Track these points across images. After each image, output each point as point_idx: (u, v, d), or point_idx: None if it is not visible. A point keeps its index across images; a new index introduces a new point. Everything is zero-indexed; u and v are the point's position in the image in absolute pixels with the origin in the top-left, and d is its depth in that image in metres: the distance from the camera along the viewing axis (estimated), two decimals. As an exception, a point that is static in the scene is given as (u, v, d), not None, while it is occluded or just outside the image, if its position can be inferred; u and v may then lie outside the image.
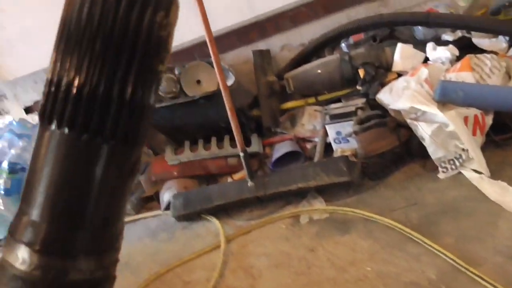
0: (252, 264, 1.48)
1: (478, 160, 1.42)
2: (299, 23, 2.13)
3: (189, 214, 1.82)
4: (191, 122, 2.09)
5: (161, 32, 0.59)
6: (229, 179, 2.02)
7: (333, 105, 1.87)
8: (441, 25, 1.80)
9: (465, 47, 1.76)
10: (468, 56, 1.59)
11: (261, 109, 2.08)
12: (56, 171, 0.61)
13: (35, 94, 2.45)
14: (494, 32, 1.75)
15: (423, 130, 1.50)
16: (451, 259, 1.17)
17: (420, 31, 1.91)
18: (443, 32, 1.86)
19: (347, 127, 1.74)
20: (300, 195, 1.70)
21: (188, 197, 1.86)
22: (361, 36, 2.01)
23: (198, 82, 2.16)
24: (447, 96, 1.48)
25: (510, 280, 1.06)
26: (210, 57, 1.74)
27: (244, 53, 2.19)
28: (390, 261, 1.26)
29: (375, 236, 1.38)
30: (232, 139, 2.03)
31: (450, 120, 1.43)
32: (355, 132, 1.65)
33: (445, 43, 1.80)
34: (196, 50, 2.17)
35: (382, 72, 1.83)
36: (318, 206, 1.63)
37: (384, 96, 1.72)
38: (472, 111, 1.47)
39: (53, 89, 0.59)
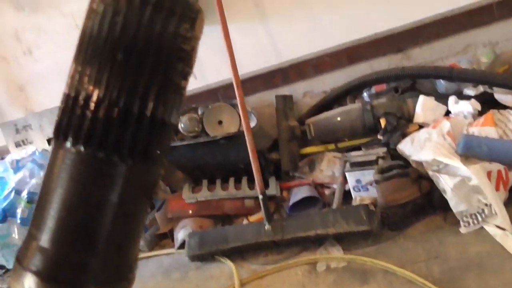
0: (267, 310, 1.44)
1: (501, 216, 1.40)
2: (322, 71, 2.18)
3: (204, 254, 1.80)
4: (210, 162, 2.11)
5: (184, 45, 0.55)
6: (245, 221, 2.01)
7: (353, 153, 1.88)
8: (464, 80, 1.83)
9: (487, 102, 1.78)
10: (491, 111, 1.61)
11: (281, 153, 2.10)
12: (69, 192, 0.57)
13: (59, 126, 2.50)
14: (516, 89, 1.77)
15: (445, 183, 1.50)
16: (475, 317, 1.14)
17: (442, 84, 1.94)
18: (465, 87, 1.89)
19: (367, 175, 1.74)
20: (317, 241, 1.68)
21: (204, 236, 1.84)
22: (383, 86, 2.05)
23: (220, 123, 2.20)
24: (470, 150, 1.49)
25: None
26: (233, 99, 1.79)
27: (267, 97, 2.24)
28: (411, 316, 1.23)
29: (395, 288, 1.35)
30: (250, 181, 2.04)
31: (474, 174, 1.42)
32: (376, 181, 1.65)
33: (467, 97, 1.82)
34: (220, 92, 2.22)
35: (404, 123, 1.85)
36: (336, 254, 1.60)
37: (406, 147, 1.73)
38: (495, 166, 1.46)
39: (70, 103, 0.56)
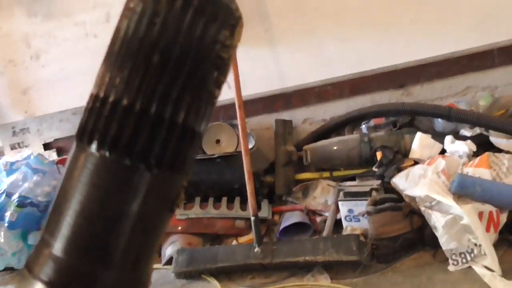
0: (250, 333, 1.43)
1: (491, 257, 1.40)
2: (324, 100, 2.21)
3: (191, 272, 1.79)
4: (205, 180, 2.11)
5: (223, 53, 0.52)
6: (234, 242, 2.01)
7: (348, 183, 1.90)
8: (462, 121, 1.87)
9: (482, 144, 1.81)
10: (487, 153, 1.63)
11: (276, 176, 2.11)
12: (88, 198, 0.53)
13: (58, 132, 2.52)
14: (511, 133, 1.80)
15: (437, 220, 1.51)
16: None
17: (440, 123, 1.97)
18: (462, 127, 1.92)
19: (360, 206, 1.75)
20: (306, 268, 1.67)
21: (192, 254, 1.83)
22: (382, 120, 2.08)
23: (218, 141, 2.21)
24: (464, 189, 1.51)
25: None
26: (234, 119, 1.80)
27: (267, 120, 2.27)
28: None
29: (380, 322, 1.35)
30: (242, 202, 2.04)
31: (466, 213, 1.44)
32: (368, 213, 1.66)
33: (463, 137, 1.85)
34: (221, 111, 2.25)
35: (400, 158, 1.87)
36: (323, 282, 1.59)
37: (400, 181, 1.74)
38: (487, 207, 1.48)
39: (97, 105, 0.52)
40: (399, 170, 1.82)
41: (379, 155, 1.90)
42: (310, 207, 2.02)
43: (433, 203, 1.55)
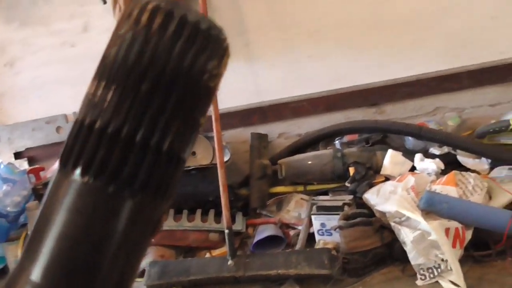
0: None
1: (456, 272, 1.45)
2: (299, 115, 2.26)
3: (163, 285, 1.77)
4: (180, 192, 2.07)
5: (210, 82, 0.54)
6: (208, 254, 2.00)
7: (321, 197, 1.93)
8: (431, 139, 1.93)
9: (450, 163, 1.88)
10: (453, 172, 1.69)
11: (251, 190, 2.13)
12: (71, 224, 0.53)
13: (29, 141, 2.47)
14: (478, 153, 1.88)
15: (406, 235, 1.55)
16: None
17: (410, 141, 2.04)
18: (431, 146, 1.99)
19: (332, 220, 1.78)
20: (278, 281, 1.69)
21: (165, 267, 1.82)
22: (355, 136, 2.13)
23: (194, 153, 2.22)
24: (431, 206, 1.56)
25: None
26: (209, 131, 1.82)
27: (243, 134, 2.29)
28: None
29: (350, 335, 1.37)
30: (217, 214, 2.05)
31: (433, 229, 1.48)
32: (340, 227, 1.69)
33: (432, 156, 1.92)
34: (198, 124, 2.26)
35: (372, 174, 1.92)
36: (294, 296, 1.61)
37: (371, 197, 1.79)
38: (453, 224, 1.53)
39: (83, 131, 0.52)
40: (371, 185, 1.87)
41: (351, 170, 1.95)
42: (284, 221, 2.04)
43: (402, 219, 1.59)
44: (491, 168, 1.86)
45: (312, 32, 2.16)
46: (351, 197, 1.86)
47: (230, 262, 1.74)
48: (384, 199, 1.72)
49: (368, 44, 2.16)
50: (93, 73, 0.52)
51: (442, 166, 1.82)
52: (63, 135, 2.44)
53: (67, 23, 2.27)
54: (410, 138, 2.04)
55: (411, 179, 1.72)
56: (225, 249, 1.83)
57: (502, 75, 2.10)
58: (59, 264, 0.53)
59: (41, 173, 2.32)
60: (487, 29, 2.08)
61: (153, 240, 2.04)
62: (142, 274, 1.85)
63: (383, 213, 1.67)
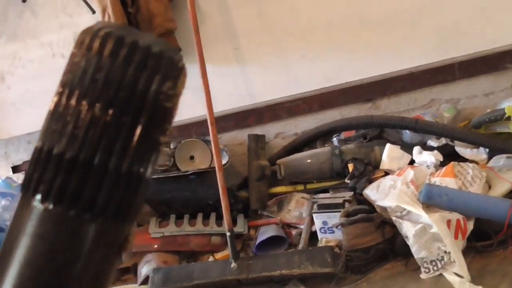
0: None
1: (459, 264, 1.45)
2: (295, 114, 2.25)
3: (167, 291, 1.77)
4: (179, 197, 2.10)
5: (167, 102, 0.54)
6: (211, 258, 2.00)
7: (321, 195, 1.93)
8: (428, 132, 1.94)
9: (448, 154, 1.89)
10: (452, 163, 1.70)
11: (250, 191, 2.12)
12: (34, 250, 0.53)
13: (26, 154, 2.46)
14: (475, 143, 1.88)
15: (407, 229, 1.55)
16: None
17: (407, 134, 2.04)
18: (429, 138, 1.99)
19: (334, 218, 1.78)
20: (282, 281, 1.69)
21: (168, 273, 1.82)
22: (352, 133, 2.13)
23: (192, 158, 2.21)
24: (431, 199, 1.56)
25: None
26: (207, 135, 1.82)
27: (239, 136, 2.28)
28: None
29: (356, 332, 1.37)
30: (218, 218, 2.04)
31: (434, 222, 1.49)
32: (342, 224, 1.69)
33: (430, 148, 1.92)
34: (194, 128, 2.25)
35: (371, 169, 1.92)
36: (299, 295, 1.61)
37: (371, 193, 1.79)
38: (454, 216, 1.53)
39: (42, 157, 0.52)
40: (370, 181, 1.87)
41: (350, 167, 1.95)
42: (285, 220, 2.04)
43: (403, 213, 1.60)
44: (489, 158, 1.86)
45: (302, 33, 2.16)
46: (351, 193, 1.86)
47: (233, 265, 1.73)
48: (384, 194, 1.72)
49: (359, 41, 2.16)
50: (51, 101, 0.52)
51: (440, 158, 1.82)
52: (59, 146, 2.42)
53: (57, 35, 2.25)
54: (407, 131, 2.05)
55: (410, 173, 1.72)
56: (228, 252, 1.83)
57: (494, 64, 2.10)
58: None
59: (39, 186, 2.30)
60: (477, 20, 2.08)
61: (155, 246, 2.03)
62: (146, 281, 1.85)
63: (384, 208, 1.67)
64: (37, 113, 2.39)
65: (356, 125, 2.11)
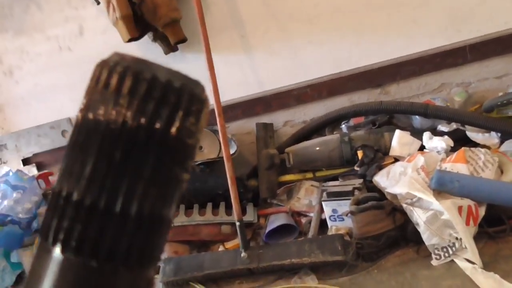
0: None
1: (471, 250, 1.44)
2: (303, 102, 2.23)
3: (178, 281, 1.78)
4: (189, 187, 2.08)
5: (189, 139, 0.51)
6: (221, 248, 2.01)
7: (331, 183, 1.92)
8: (438, 117, 1.91)
9: (459, 139, 1.86)
10: (463, 149, 1.67)
11: (260, 180, 2.12)
12: None
13: (36, 147, 2.49)
14: (487, 128, 1.85)
15: (418, 216, 1.53)
16: None
17: (417, 120, 2.01)
18: (439, 123, 1.96)
19: (344, 206, 1.77)
20: (292, 270, 1.69)
21: (179, 262, 1.83)
22: (361, 119, 2.11)
23: (200, 148, 2.21)
24: (443, 185, 1.54)
25: None
26: (214, 125, 1.81)
27: (247, 125, 2.27)
28: None
29: (368, 320, 1.37)
30: (227, 207, 2.04)
31: (445, 208, 1.47)
32: (352, 212, 1.68)
33: (441, 133, 1.89)
34: (202, 118, 2.25)
35: (380, 156, 1.90)
36: (310, 284, 1.61)
37: (381, 179, 1.77)
38: (466, 202, 1.51)
39: (60, 203, 0.50)
40: (380, 168, 1.85)
41: (360, 154, 1.93)
42: (295, 209, 2.03)
43: (414, 200, 1.58)
44: (501, 142, 1.83)
45: (308, 19, 2.13)
46: (361, 181, 1.84)
47: (243, 254, 1.74)
48: (395, 181, 1.70)
49: (368, 25, 2.12)
50: (67, 138, 0.52)
51: (451, 144, 1.79)
52: (69, 139, 2.44)
53: (62, 28, 2.25)
54: (417, 117, 2.02)
55: (420, 159, 1.70)
56: (238, 241, 1.83)
57: (507, 45, 2.05)
58: None
59: (50, 178, 2.33)
60: (489, 0, 2.03)
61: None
62: (157, 271, 1.86)
63: (394, 195, 1.66)
64: (47, 106, 2.42)
65: (366, 111, 2.08)
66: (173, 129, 0.49)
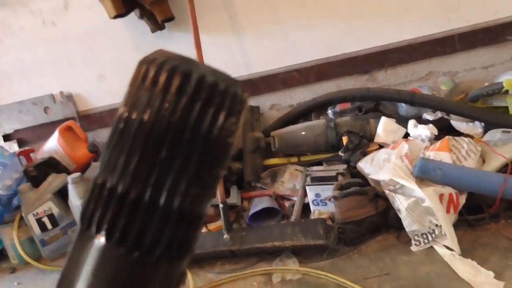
0: (220, 319, 1.44)
1: (450, 237, 1.46)
2: (290, 86, 2.22)
3: (160, 261, 1.78)
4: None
5: (229, 138, 0.53)
6: (204, 229, 2.01)
7: (315, 168, 1.92)
8: (424, 105, 1.91)
9: (444, 128, 1.87)
10: (447, 137, 1.68)
11: (244, 163, 2.11)
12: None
13: (18, 123, 2.44)
14: (471, 117, 1.86)
15: (400, 203, 1.55)
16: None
17: (403, 108, 2.02)
18: (425, 112, 1.97)
19: (327, 190, 1.78)
20: (274, 253, 1.70)
21: (161, 243, 1.82)
22: (347, 105, 2.11)
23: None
24: (426, 173, 1.55)
25: None
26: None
27: (234, 107, 2.26)
28: (360, 330, 1.26)
29: (346, 303, 1.39)
30: (212, 189, 2.04)
31: (427, 196, 1.48)
32: (335, 197, 1.69)
33: (426, 122, 1.90)
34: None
35: (365, 142, 1.90)
36: (291, 266, 1.62)
37: (365, 166, 1.78)
38: (447, 190, 1.53)
39: (105, 194, 0.52)
40: (365, 154, 1.86)
41: (345, 140, 1.93)
42: (279, 192, 2.04)
43: (396, 187, 1.59)
44: (485, 132, 1.85)
45: (299, 2, 2.10)
46: (345, 166, 1.85)
47: (226, 236, 1.74)
48: (378, 167, 1.71)
49: (358, 11, 2.10)
50: (109, 132, 0.53)
51: (435, 132, 1.81)
52: (52, 116, 2.40)
53: (47, 2, 2.19)
54: (403, 104, 2.02)
55: (405, 146, 1.71)
56: (221, 223, 1.84)
57: (496, 35, 2.06)
58: None
59: (32, 155, 2.29)
60: (479, -11, 2.03)
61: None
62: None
63: (377, 182, 1.67)
64: (29, 82, 2.36)
65: (353, 97, 2.08)
66: (217, 129, 0.50)
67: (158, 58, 0.49)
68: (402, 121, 1.93)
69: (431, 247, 1.49)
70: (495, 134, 1.74)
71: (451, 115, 1.91)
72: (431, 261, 1.45)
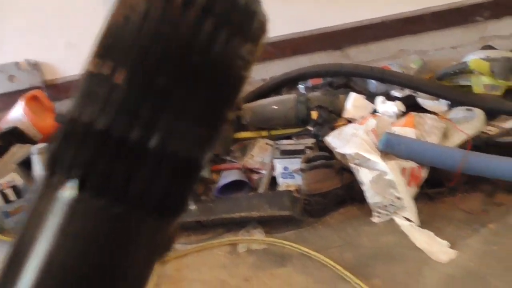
0: (185, 288, 1.46)
1: (410, 209, 1.51)
2: (264, 59, 2.21)
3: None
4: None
5: (245, 71, 0.41)
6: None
7: (284, 141, 1.94)
8: (393, 82, 1.94)
9: (412, 105, 1.91)
10: (412, 114, 1.72)
11: (215, 136, 2.11)
12: (60, 251, 0.41)
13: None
14: (437, 95, 1.90)
15: (364, 176, 1.59)
16: (376, 300, 1.23)
17: (373, 84, 2.04)
18: (393, 89, 2.00)
19: (295, 163, 1.80)
20: (241, 224, 1.72)
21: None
22: (319, 80, 2.12)
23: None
24: (390, 147, 1.59)
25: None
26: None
27: (205, 79, 2.24)
28: (319, 296, 1.30)
29: (309, 271, 1.42)
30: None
31: (390, 169, 1.52)
32: (302, 170, 1.71)
33: (394, 98, 1.93)
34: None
35: (334, 117, 1.93)
36: (257, 237, 1.65)
37: (333, 140, 1.80)
38: (410, 164, 1.57)
39: (79, 132, 0.39)
40: (333, 129, 1.88)
41: (314, 114, 1.95)
42: (248, 165, 2.05)
43: (361, 161, 1.62)
44: (450, 109, 1.89)
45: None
46: (313, 140, 1.87)
47: (193, 207, 1.75)
48: (345, 141, 1.74)
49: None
50: (93, 48, 0.39)
51: (403, 109, 1.84)
52: (17, 84, 2.32)
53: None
54: (373, 81, 2.05)
55: (372, 122, 1.74)
56: (189, 194, 1.84)
57: (466, 16, 2.10)
58: None
59: (-4, 123, 2.23)
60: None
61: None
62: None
63: (343, 155, 1.69)
64: (6, 44, 2.24)
65: (325, 72, 2.09)
66: (229, 55, 0.40)
67: None
68: (371, 97, 1.96)
69: (392, 218, 1.54)
70: (459, 112, 1.79)
71: (418, 92, 1.95)
72: (391, 232, 1.50)
